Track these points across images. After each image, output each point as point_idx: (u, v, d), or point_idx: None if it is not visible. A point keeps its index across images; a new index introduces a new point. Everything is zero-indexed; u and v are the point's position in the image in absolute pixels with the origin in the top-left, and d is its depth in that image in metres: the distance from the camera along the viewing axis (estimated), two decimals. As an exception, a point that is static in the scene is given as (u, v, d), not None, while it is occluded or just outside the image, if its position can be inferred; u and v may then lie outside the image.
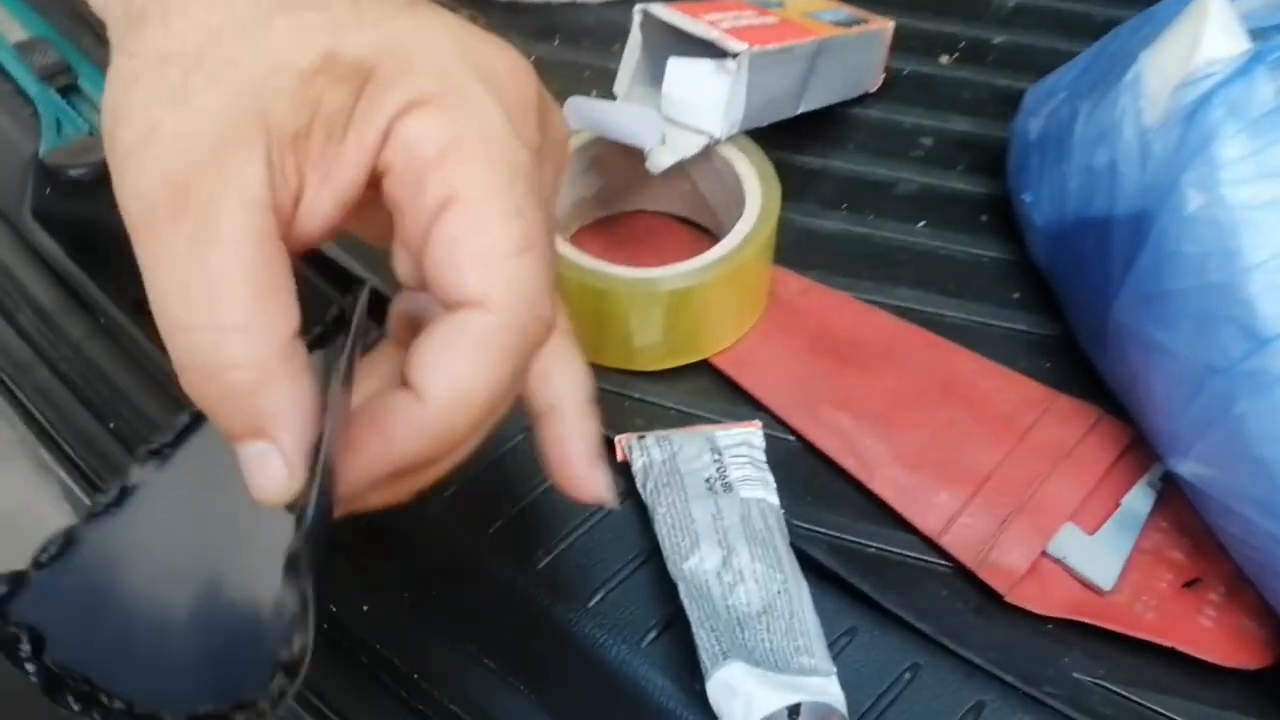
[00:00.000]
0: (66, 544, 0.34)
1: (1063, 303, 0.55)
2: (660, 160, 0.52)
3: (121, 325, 0.49)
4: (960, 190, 0.62)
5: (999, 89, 0.68)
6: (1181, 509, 0.47)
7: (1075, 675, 0.43)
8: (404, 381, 0.28)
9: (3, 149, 0.56)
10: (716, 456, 0.44)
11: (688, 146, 0.53)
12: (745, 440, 0.44)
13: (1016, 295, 0.57)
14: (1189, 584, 0.46)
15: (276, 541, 0.29)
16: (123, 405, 0.47)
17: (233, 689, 0.30)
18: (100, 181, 0.53)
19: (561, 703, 0.38)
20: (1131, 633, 0.44)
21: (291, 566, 0.27)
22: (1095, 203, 0.50)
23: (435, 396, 0.28)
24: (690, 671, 0.38)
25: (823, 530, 0.47)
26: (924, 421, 0.51)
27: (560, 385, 0.34)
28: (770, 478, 0.44)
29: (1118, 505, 0.48)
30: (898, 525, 0.48)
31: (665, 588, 0.41)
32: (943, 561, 0.47)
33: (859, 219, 0.60)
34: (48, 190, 0.53)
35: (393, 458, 0.28)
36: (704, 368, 0.53)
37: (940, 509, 0.48)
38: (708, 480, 0.43)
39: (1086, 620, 0.45)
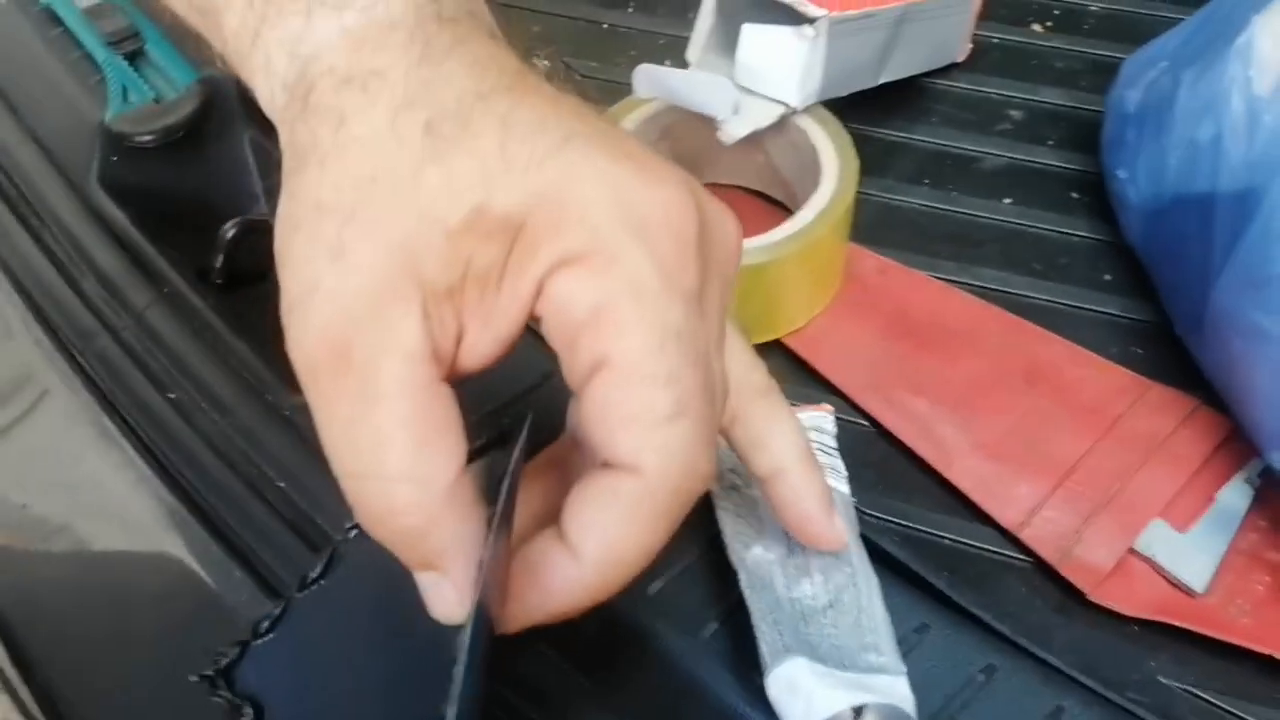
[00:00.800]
0: (282, 613, 0.36)
1: (1158, 286, 0.52)
2: (733, 131, 0.50)
3: (184, 294, 0.48)
4: (1050, 166, 0.59)
5: (1094, 59, 0.64)
6: (1282, 508, 0.44)
7: (1162, 680, 0.41)
8: (560, 529, 0.30)
9: (70, 116, 0.56)
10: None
11: (762, 117, 0.51)
12: (816, 425, 0.42)
13: (1108, 278, 0.54)
14: (1289, 588, 0.43)
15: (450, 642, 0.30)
16: (183, 375, 0.46)
17: None
18: (166, 149, 0.53)
19: (618, 693, 0.37)
20: (1224, 637, 0.41)
21: None
22: (1197, 179, 0.46)
23: (589, 556, 0.29)
24: (752, 665, 0.36)
25: (895, 520, 0.45)
26: (1006, 408, 0.49)
27: (779, 450, 0.35)
28: (840, 465, 0.42)
29: (1212, 501, 0.46)
30: (975, 517, 0.46)
31: (728, 578, 0.39)
32: (1022, 557, 0.45)
33: (941, 195, 0.58)
34: (114, 157, 0.52)
35: (550, 609, 0.30)
36: (775, 348, 0.51)
37: (1021, 501, 0.46)
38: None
39: (1175, 623, 0.42)
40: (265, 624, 0.36)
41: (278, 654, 0.36)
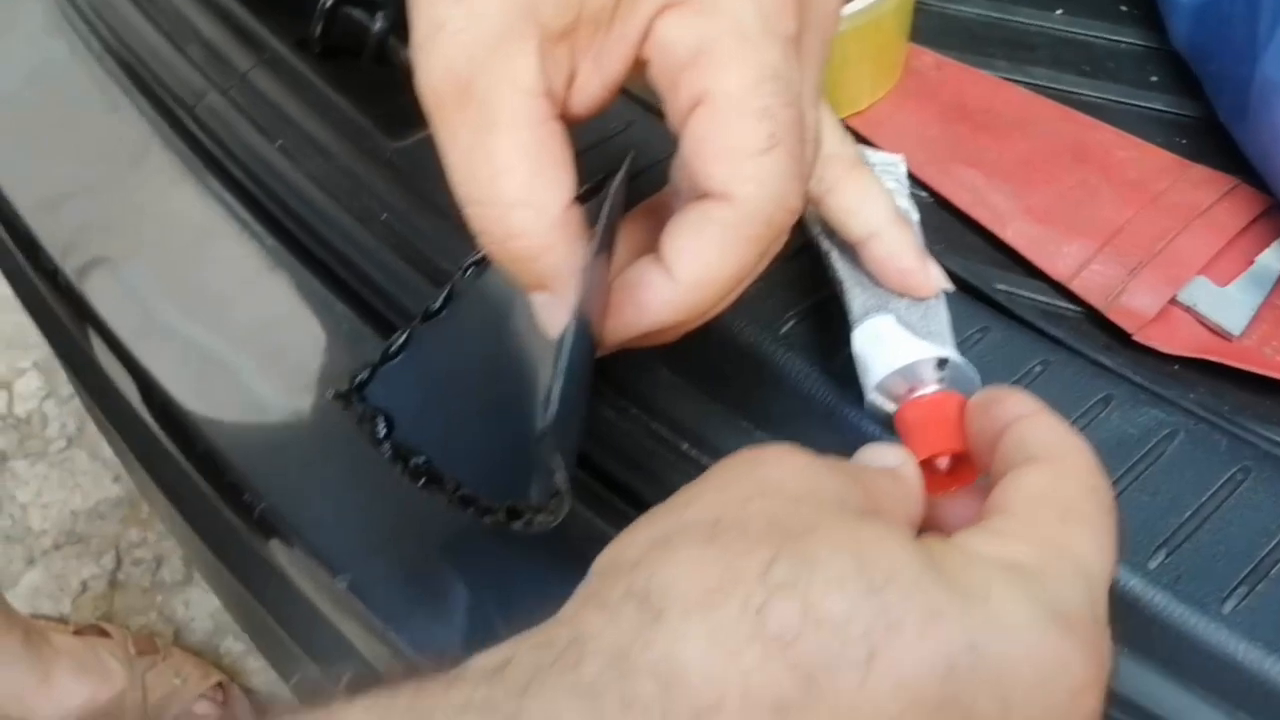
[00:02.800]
0: (408, 340, 0.39)
1: (1203, 79, 0.55)
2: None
3: (284, 58, 0.51)
4: (1100, -21, 0.62)
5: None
6: (1318, 262, 0.47)
7: (1200, 412, 0.44)
8: (658, 254, 0.32)
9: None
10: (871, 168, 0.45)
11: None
12: (891, 164, 0.45)
13: (1154, 78, 0.57)
14: (1321, 330, 0.46)
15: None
16: (287, 126, 0.49)
17: (526, 492, 0.35)
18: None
19: (709, 384, 0.40)
20: (1259, 370, 0.45)
21: (540, 440, 0.31)
22: (1246, -38, 0.49)
23: (683, 276, 0.31)
24: (824, 354, 0.40)
25: (953, 273, 0.48)
26: (1055, 180, 0.52)
27: (871, 214, 0.38)
28: (914, 206, 0.44)
29: (1251, 263, 0.48)
30: (1028, 274, 0.49)
31: (800, 284, 0.42)
32: (1071, 307, 0.48)
33: (994, 5, 0.60)
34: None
35: (644, 324, 0.32)
36: (838, 129, 0.54)
37: (1070, 257, 0.49)
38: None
39: (1213, 358, 0.45)
40: (392, 348, 0.39)
41: (404, 375, 0.38)
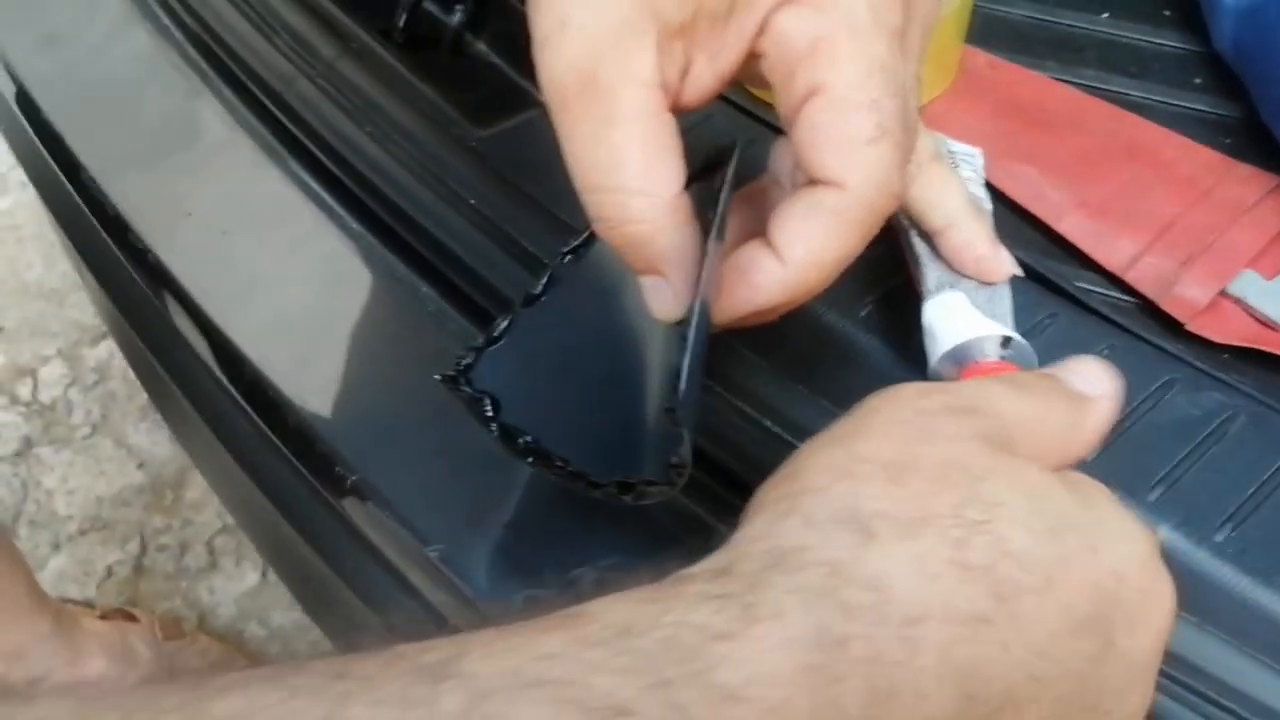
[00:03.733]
0: (511, 324, 0.41)
1: (1247, 81, 0.57)
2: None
3: (370, 48, 0.53)
4: (1144, -16, 0.64)
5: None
6: (1363, 257, 0.49)
7: (1259, 396, 0.46)
8: (767, 238, 0.34)
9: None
10: (950, 157, 0.47)
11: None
12: (973, 155, 0.47)
13: (1198, 80, 0.59)
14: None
15: (668, 343, 0.36)
16: (375, 113, 0.51)
17: (635, 466, 0.37)
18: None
19: (790, 367, 0.42)
20: (1308, 359, 0.47)
21: (670, 411, 0.33)
22: (1294, -32, 0.51)
23: (794, 259, 0.34)
24: (901, 335, 0.42)
25: (1025, 263, 0.50)
26: (1107, 177, 0.54)
27: (948, 206, 0.41)
28: (988, 196, 0.46)
29: (1296, 258, 0.51)
30: (1083, 265, 0.51)
31: (877, 269, 0.44)
32: (1125, 297, 0.50)
33: (1042, 9, 0.63)
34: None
35: (756, 303, 0.34)
36: (896, 126, 0.56)
37: (1124, 249, 0.51)
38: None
39: (1264, 348, 0.47)
40: (496, 332, 0.41)
41: (508, 358, 0.40)
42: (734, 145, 0.38)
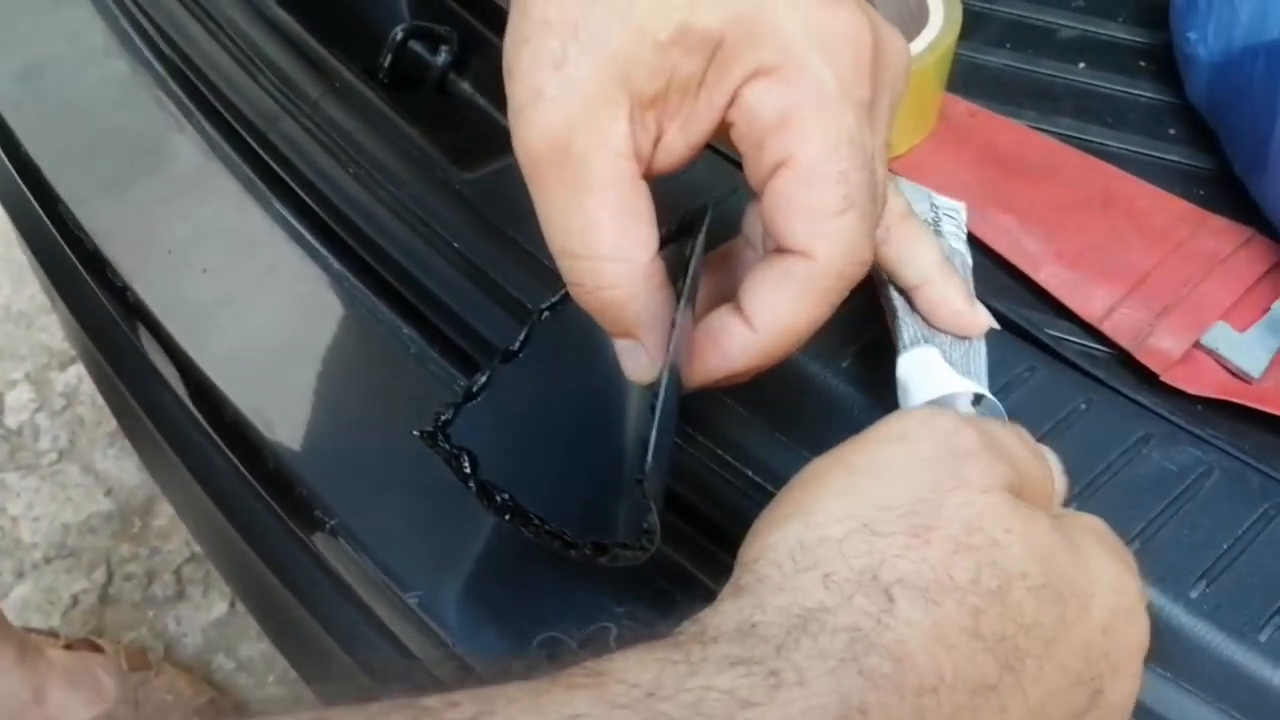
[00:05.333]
0: (489, 380, 0.41)
1: (1221, 135, 0.58)
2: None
3: (355, 87, 0.53)
4: (1119, 38, 0.65)
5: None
6: (1332, 312, 0.50)
7: (1232, 451, 0.46)
8: (737, 304, 0.35)
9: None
10: (934, 211, 0.47)
11: (877, -40, 0.56)
12: (956, 210, 0.48)
13: (1172, 132, 0.60)
14: (1336, 375, 0.49)
15: (642, 402, 0.36)
16: (359, 154, 0.51)
17: (610, 527, 0.37)
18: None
19: (774, 417, 0.42)
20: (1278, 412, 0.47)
21: (639, 483, 0.34)
22: (1268, 26, 0.52)
23: (763, 325, 0.34)
24: (883, 385, 0.42)
25: (1000, 315, 0.51)
26: (1085, 227, 0.54)
27: (922, 263, 0.41)
28: (969, 251, 0.47)
29: (1268, 311, 0.51)
30: (1059, 314, 0.52)
31: (859, 320, 0.45)
32: (1101, 348, 0.51)
33: (1021, 58, 0.63)
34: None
35: (726, 368, 0.35)
36: (876, 173, 0.57)
37: (1101, 300, 0.52)
38: (925, 221, 0.46)
39: (1235, 400, 0.48)
40: (474, 388, 0.41)
41: (485, 414, 0.41)
42: (706, 208, 0.38)
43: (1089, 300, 0.52)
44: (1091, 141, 0.59)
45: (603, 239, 0.33)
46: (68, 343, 1.52)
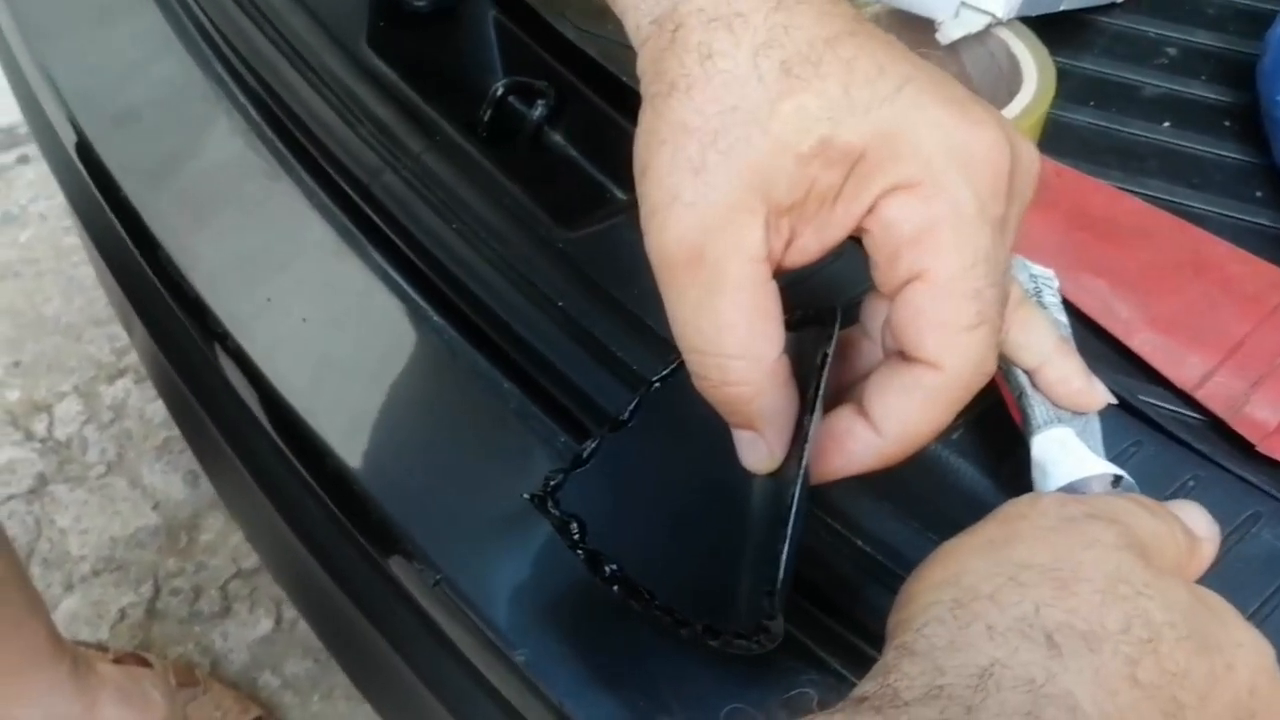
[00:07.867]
0: (598, 448, 0.41)
1: (1309, 199, 0.58)
2: (951, 31, 0.56)
3: (456, 142, 0.54)
4: (1204, 97, 0.65)
5: (1241, 7, 0.70)
6: None
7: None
8: (862, 407, 0.36)
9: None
10: (1033, 281, 0.47)
11: (974, 22, 0.56)
12: (1049, 278, 0.48)
13: (1259, 194, 0.60)
14: None
15: (761, 488, 0.37)
16: (462, 210, 0.52)
17: (720, 610, 0.37)
18: (436, 14, 0.59)
19: (887, 490, 0.43)
20: (1378, 485, 0.47)
21: (769, 594, 0.35)
22: (1364, 96, 0.53)
23: (889, 432, 0.36)
24: (995, 458, 0.42)
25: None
26: (1177, 292, 0.55)
27: (1041, 345, 0.42)
28: (1067, 319, 0.47)
29: (1363, 380, 0.52)
30: (1151, 380, 0.52)
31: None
32: (1195, 415, 0.51)
33: (1106, 116, 0.64)
34: (381, 23, 0.58)
35: (849, 470, 0.37)
36: (965, 233, 0.57)
37: (1195, 367, 0.52)
38: (1027, 293, 0.46)
39: (1335, 472, 0.48)
40: (584, 454, 0.41)
41: (594, 481, 0.41)
42: (835, 312, 0.38)
43: (1182, 367, 0.52)
44: (1178, 203, 0.59)
45: (732, 338, 0.34)
46: (114, 355, 1.54)
